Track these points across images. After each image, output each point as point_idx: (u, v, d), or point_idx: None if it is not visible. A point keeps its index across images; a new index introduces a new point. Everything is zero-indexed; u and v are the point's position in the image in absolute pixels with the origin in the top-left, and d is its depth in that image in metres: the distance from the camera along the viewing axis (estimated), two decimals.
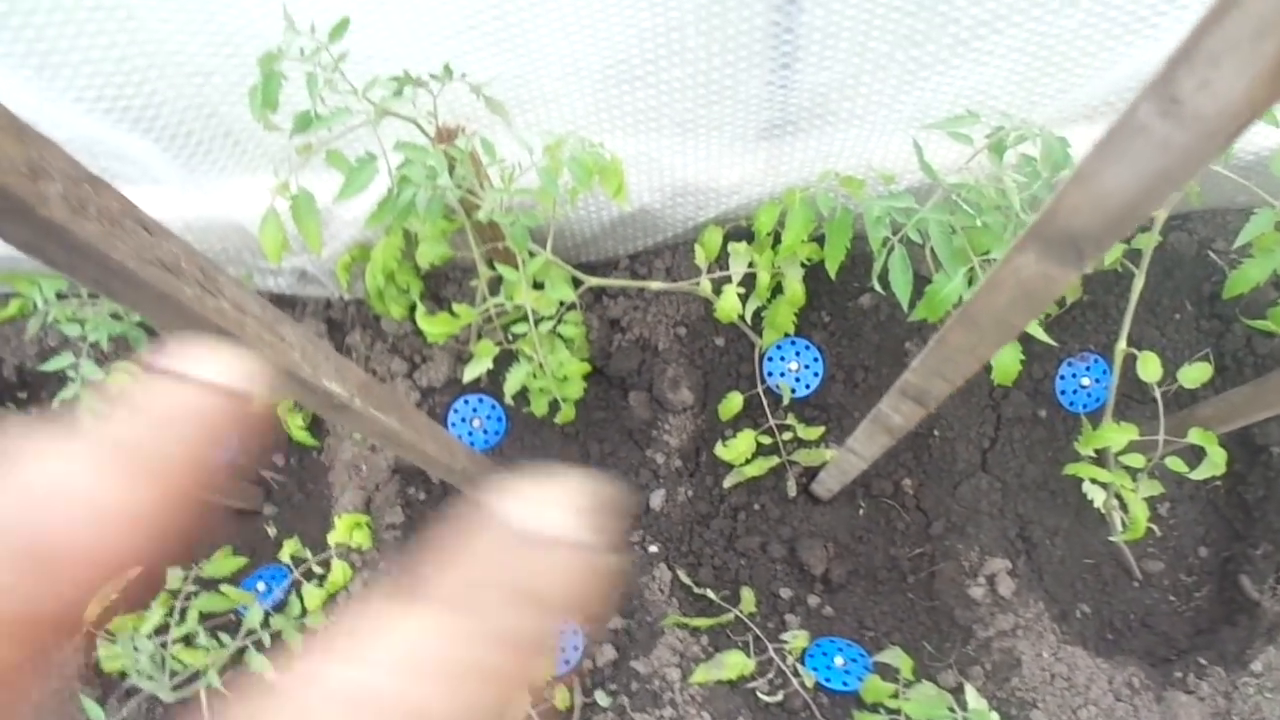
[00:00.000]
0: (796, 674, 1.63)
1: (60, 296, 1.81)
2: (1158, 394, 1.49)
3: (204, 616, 1.70)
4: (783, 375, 1.83)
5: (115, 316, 1.75)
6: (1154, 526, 1.75)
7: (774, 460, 1.79)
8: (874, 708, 1.52)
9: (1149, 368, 1.46)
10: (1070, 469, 1.60)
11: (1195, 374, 1.47)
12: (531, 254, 1.50)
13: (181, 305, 0.66)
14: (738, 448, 1.77)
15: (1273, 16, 0.32)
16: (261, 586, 1.84)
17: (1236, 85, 0.36)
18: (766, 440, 1.79)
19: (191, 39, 1.22)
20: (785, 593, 1.75)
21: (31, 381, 1.96)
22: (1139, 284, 1.49)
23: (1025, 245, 0.55)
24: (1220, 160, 1.44)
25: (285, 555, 1.78)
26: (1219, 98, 0.36)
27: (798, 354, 1.83)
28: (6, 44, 1.10)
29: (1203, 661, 1.64)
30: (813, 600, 1.75)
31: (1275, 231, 1.45)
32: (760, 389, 1.80)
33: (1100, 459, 1.62)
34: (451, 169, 1.34)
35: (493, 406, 1.90)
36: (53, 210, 0.52)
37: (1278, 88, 0.35)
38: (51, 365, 1.73)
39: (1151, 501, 1.69)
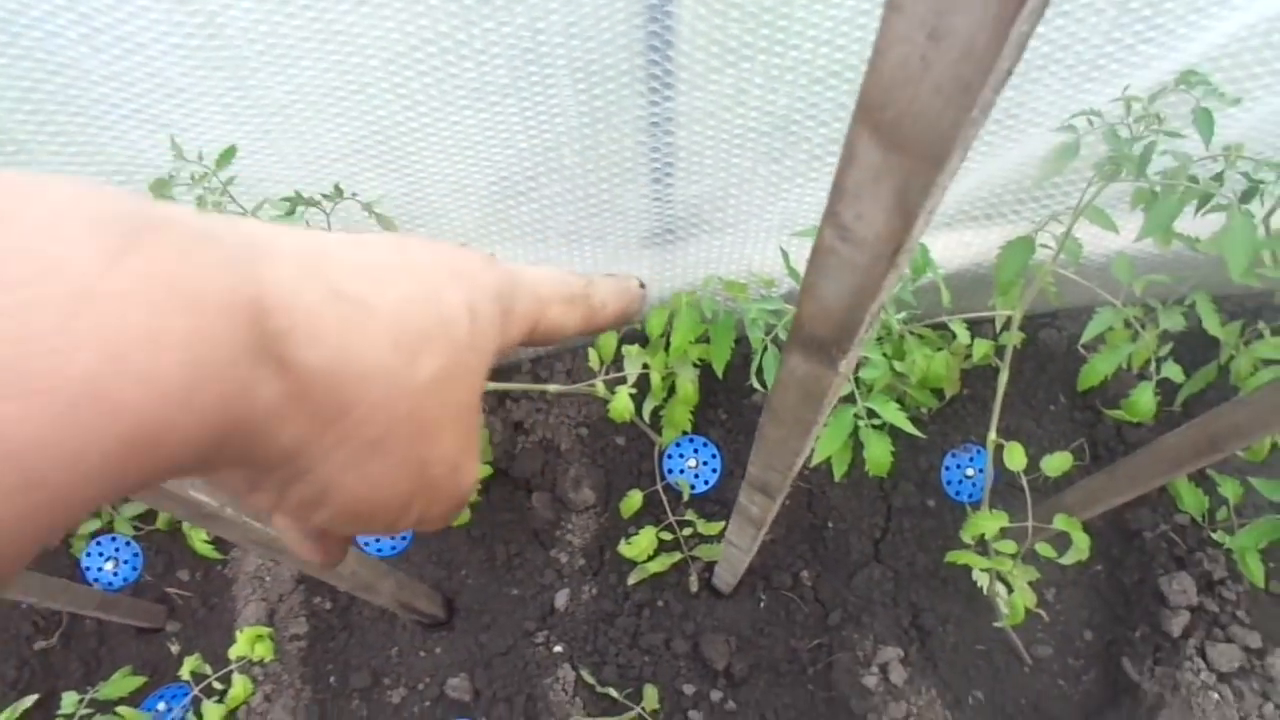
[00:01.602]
0: None
1: None
2: (1024, 483, 1.57)
3: None
4: (682, 472, 1.88)
5: None
6: (1041, 612, 1.81)
7: (676, 556, 1.83)
8: None
9: (1014, 457, 1.54)
10: (951, 556, 1.66)
11: (1056, 463, 1.56)
12: None
13: None
14: (640, 544, 1.80)
15: (881, 164, 0.40)
16: (162, 706, 1.80)
17: (879, 216, 0.43)
18: (668, 536, 1.83)
19: (82, 169, 1.27)
20: (688, 689, 1.77)
21: None
22: (1004, 378, 1.59)
23: (791, 349, 0.61)
24: (1070, 263, 1.56)
25: (185, 672, 1.75)
26: (872, 226, 0.44)
27: (696, 451, 1.89)
28: None
29: None
30: (715, 695, 1.76)
31: (1124, 329, 1.57)
32: (660, 486, 1.85)
33: (981, 546, 1.68)
34: None
35: None
36: None
37: (906, 218, 0.42)
38: None
39: (1037, 587, 1.76)
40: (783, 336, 1.44)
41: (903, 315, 1.51)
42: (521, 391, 1.93)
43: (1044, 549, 1.54)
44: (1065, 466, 1.54)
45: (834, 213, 0.44)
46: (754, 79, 1.22)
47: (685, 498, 1.87)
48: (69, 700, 1.67)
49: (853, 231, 0.44)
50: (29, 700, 1.81)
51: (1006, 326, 1.68)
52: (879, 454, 1.49)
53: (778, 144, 1.35)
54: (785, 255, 1.43)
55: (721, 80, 1.23)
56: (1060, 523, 1.50)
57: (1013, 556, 1.57)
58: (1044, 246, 1.48)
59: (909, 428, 1.48)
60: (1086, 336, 1.50)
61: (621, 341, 1.78)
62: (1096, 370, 1.54)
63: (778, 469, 0.87)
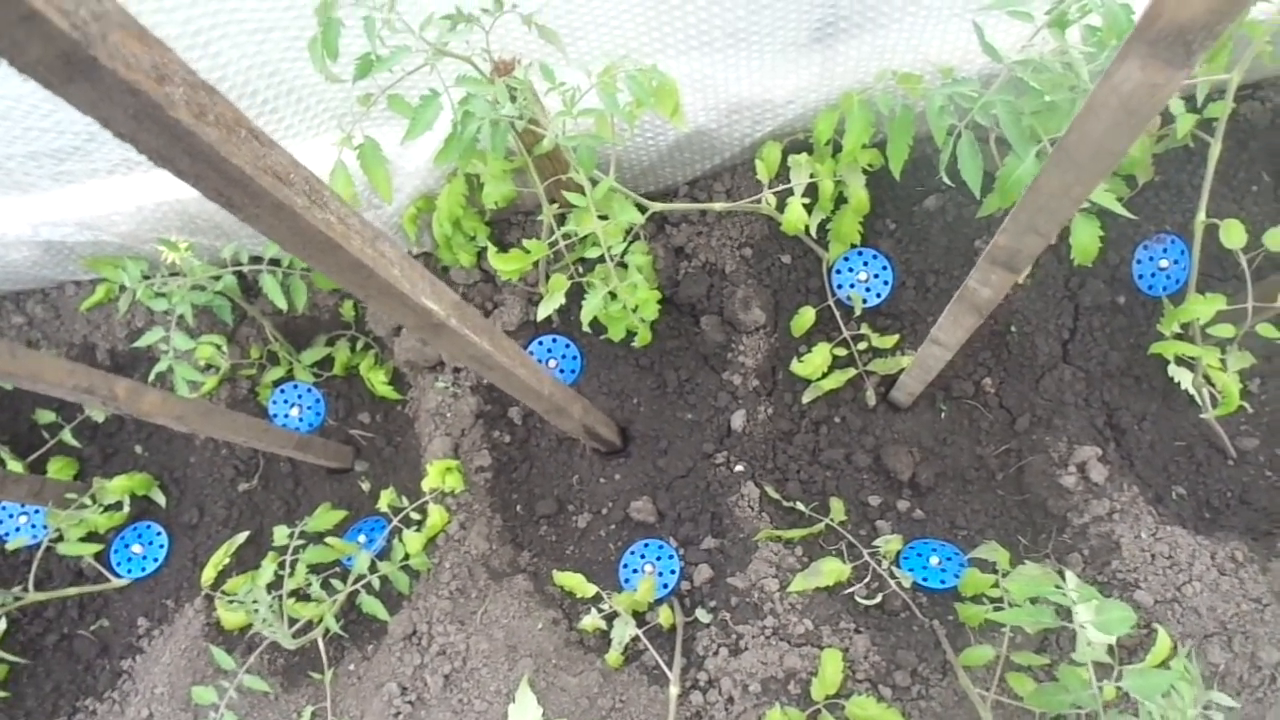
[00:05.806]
0: (893, 576, 1.65)
1: (145, 277, 1.87)
2: (1243, 260, 1.46)
3: (312, 569, 1.77)
4: (853, 286, 1.82)
5: (198, 288, 1.80)
6: (1245, 404, 1.72)
7: (850, 372, 1.79)
8: (975, 599, 1.53)
9: (1232, 234, 1.44)
10: (1156, 348, 1.58)
11: None
12: (594, 182, 1.52)
13: (295, 216, 0.69)
14: (813, 362, 1.78)
15: None
16: (363, 539, 1.90)
17: None
18: (841, 352, 1.79)
19: None
20: (874, 500, 1.76)
21: (124, 363, 2.04)
22: (1215, 152, 1.46)
23: (1126, 55, 0.54)
24: None
25: (383, 505, 1.83)
26: None
27: (866, 264, 1.82)
28: None
29: None
30: (902, 505, 1.76)
31: None
32: (831, 301, 1.80)
33: (1186, 337, 1.59)
34: (512, 100, 1.35)
35: (567, 345, 1.93)
36: (179, 113, 0.55)
37: None
38: (144, 341, 1.79)
39: (1242, 376, 1.67)
40: (980, 120, 1.34)
41: None
42: (681, 216, 1.89)
43: (1266, 329, 1.44)
44: None
45: None
46: None
47: (857, 312, 1.82)
48: (280, 533, 1.77)
49: None
50: (242, 536, 1.93)
51: (1211, 97, 1.53)
52: (1087, 239, 1.40)
53: None
54: (979, 30, 1.32)
55: None
56: None
57: (1230, 340, 1.48)
58: None
59: (1118, 209, 1.38)
60: None
61: (786, 152, 1.70)
62: None
63: (1041, 230, 0.81)
